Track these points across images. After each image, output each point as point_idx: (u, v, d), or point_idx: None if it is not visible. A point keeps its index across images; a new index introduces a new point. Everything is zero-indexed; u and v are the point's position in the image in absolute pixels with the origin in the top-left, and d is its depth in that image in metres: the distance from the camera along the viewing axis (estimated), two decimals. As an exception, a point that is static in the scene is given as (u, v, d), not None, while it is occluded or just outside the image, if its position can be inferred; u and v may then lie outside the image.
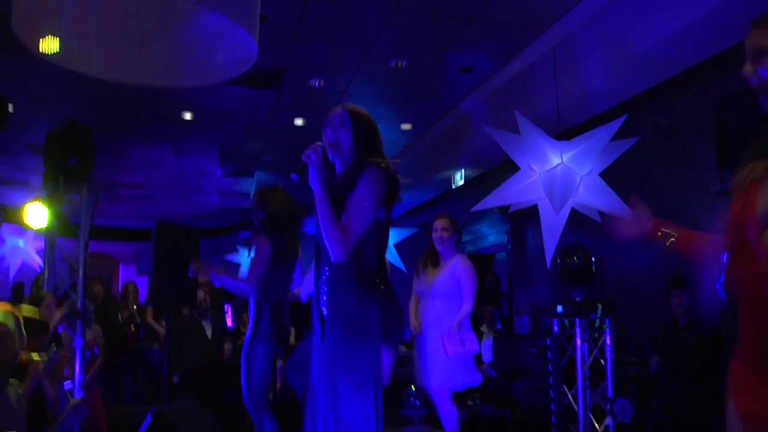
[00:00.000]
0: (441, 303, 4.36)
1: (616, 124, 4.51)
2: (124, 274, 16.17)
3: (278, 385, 6.04)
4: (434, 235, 4.53)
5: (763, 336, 1.52)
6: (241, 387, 3.81)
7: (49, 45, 2.93)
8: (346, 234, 2.21)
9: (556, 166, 4.77)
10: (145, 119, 7.77)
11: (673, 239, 1.87)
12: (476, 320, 7.03)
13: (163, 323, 6.76)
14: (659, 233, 1.90)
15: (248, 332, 3.84)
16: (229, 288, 3.93)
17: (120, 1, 3.06)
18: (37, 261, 11.37)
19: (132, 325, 7.48)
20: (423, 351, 4.41)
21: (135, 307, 7.66)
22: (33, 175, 10.13)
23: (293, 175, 2.28)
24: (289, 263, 3.97)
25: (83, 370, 4.60)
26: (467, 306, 4.29)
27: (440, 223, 4.53)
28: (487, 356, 6.55)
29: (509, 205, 5.43)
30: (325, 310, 2.36)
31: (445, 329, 4.28)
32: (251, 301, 3.89)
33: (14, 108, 7.11)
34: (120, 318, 7.42)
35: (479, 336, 6.40)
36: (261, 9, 3.30)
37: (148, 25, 3.19)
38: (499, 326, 6.65)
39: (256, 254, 3.83)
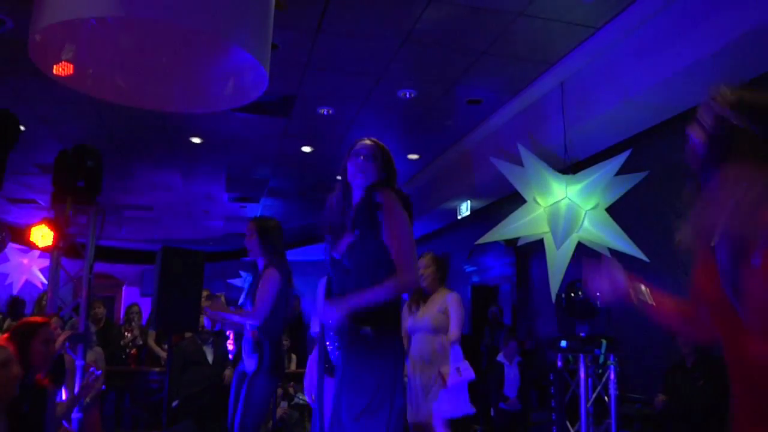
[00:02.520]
0: (430, 338, 4.36)
1: (620, 159, 4.53)
2: (127, 295, 16.14)
3: (276, 418, 5.99)
4: None
5: (753, 397, 1.50)
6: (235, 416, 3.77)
7: (64, 69, 2.98)
8: (404, 269, 2.26)
9: (561, 200, 4.78)
10: (154, 143, 7.84)
11: (646, 304, 1.81)
12: (495, 350, 6.90)
13: (165, 347, 6.73)
14: (633, 297, 1.82)
15: (251, 365, 3.80)
16: (235, 321, 3.89)
17: (133, 29, 3.11)
18: (40, 279, 11.39)
19: (134, 348, 7.46)
20: (412, 387, 4.39)
21: (138, 329, 7.64)
22: (41, 195, 10.19)
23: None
24: (287, 298, 3.95)
25: (83, 393, 4.58)
26: (452, 334, 4.27)
27: (420, 262, 4.54)
28: (510, 389, 6.28)
29: (515, 238, 5.43)
30: (333, 346, 2.36)
31: (438, 364, 4.29)
32: (248, 334, 3.86)
33: (25, 128, 7.20)
34: (122, 340, 7.39)
35: (500, 368, 6.30)
36: (273, 38, 3.36)
37: (161, 53, 3.25)
38: (519, 358, 6.37)
39: (267, 287, 3.76)
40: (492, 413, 6.24)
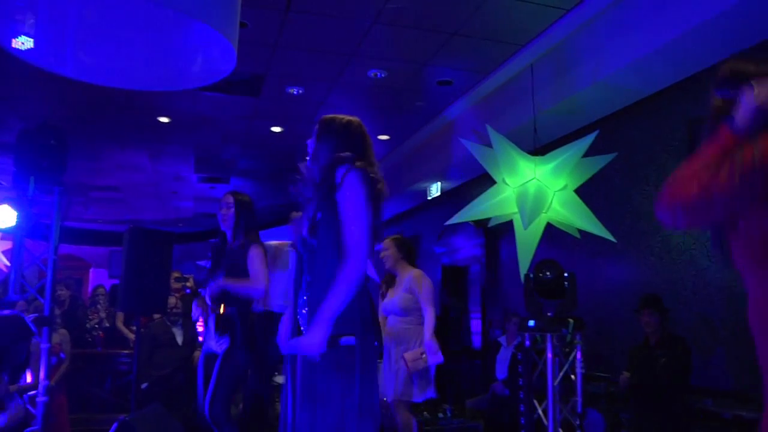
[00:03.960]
0: (399, 319, 4.42)
1: (586, 140, 4.56)
2: (95, 277, 15.91)
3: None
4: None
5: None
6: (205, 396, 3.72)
7: (24, 44, 2.88)
8: (350, 254, 2.16)
9: (529, 181, 4.80)
10: (120, 122, 7.68)
11: None
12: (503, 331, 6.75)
13: (134, 328, 6.66)
14: None
15: (222, 344, 3.75)
16: (239, 291, 3.78)
17: (97, 3, 3.02)
18: (3, 262, 11.13)
19: (101, 331, 7.35)
20: (387, 366, 4.43)
21: (105, 312, 7.53)
22: (2, 175, 9.93)
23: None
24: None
25: (48, 375, 4.50)
26: (429, 318, 4.32)
27: (381, 245, 4.60)
28: (501, 371, 6.06)
29: (485, 219, 5.45)
30: (305, 327, 2.29)
31: (405, 345, 4.33)
32: (212, 314, 3.81)
33: (-14, 106, 6.99)
34: (89, 323, 7.29)
35: (496, 348, 6.28)
36: (241, 16, 3.29)
37: (127, 29, 3.16)
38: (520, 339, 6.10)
39: (259, 263, 3.73)
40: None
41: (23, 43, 2.86)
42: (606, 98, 5.09)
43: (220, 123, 7.77)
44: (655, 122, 5.04)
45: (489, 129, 4.88)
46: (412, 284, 4.44)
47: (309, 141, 2.48)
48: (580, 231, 4.86)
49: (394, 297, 4.48)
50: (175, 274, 7.21)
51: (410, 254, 4.68)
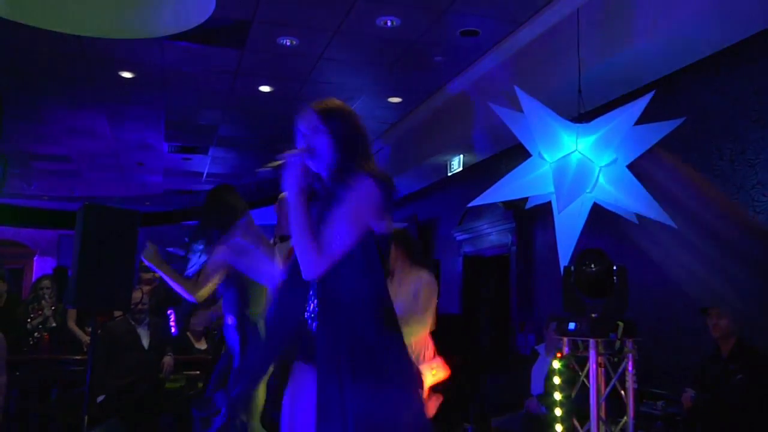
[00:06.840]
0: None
1: (640, 104, 4.50)
2: (40, 267, 15.97)
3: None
4: None
5: None
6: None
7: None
8: (320, 249, 2.25)
9: (570, 154, 4.78)
10: (71, 77, 7.67)
11: None
12: (540, 338, 6.75)
13: (89, 329, 6.67)
14: None
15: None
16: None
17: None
18: None
19: (46, 332, 7.36)
20: None
21: (53, 308, 7.54)
22: None
23: (261, 172, 2.32)
24: None
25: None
26: (425, 333, 4.35)
27: None
28: (537, 386, 6.00)
29: (518, 200, 5.42)
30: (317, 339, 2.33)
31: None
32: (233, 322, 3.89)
33: None
34: (29, 322, 7.29)
35: (533, 358, 6.29)
36: (222, -54, 3.26)
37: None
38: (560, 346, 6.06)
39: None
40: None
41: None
42: (671, 51, 5.03)
43: (197, 80, 7.76)
44: (731, 81, 4.98)
45: (518, 91, 4.85)
46: (421, 290, 4.40)
47: (302, 130, 2.46)
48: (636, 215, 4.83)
49: (398, 300, 4.44)
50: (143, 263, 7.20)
51: (411, 250, 4.62)
